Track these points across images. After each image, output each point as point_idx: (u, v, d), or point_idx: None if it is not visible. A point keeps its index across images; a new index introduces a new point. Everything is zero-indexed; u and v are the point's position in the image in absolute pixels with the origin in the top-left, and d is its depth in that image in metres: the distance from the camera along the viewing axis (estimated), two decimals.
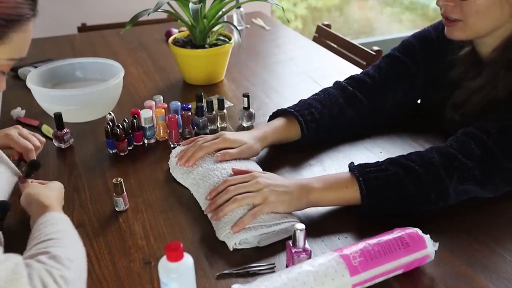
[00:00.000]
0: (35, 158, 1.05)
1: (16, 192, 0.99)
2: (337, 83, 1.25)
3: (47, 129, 1.30)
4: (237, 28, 1.49)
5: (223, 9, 1.52)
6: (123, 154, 1.19)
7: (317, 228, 0.94)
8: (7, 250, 0.86)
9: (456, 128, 1.02)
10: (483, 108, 1.04)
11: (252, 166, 1.07)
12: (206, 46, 1.53)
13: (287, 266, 0.84)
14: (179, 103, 1.29)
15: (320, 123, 1.17)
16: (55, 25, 2.65)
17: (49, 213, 0.83)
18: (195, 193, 1.03)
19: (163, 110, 1.24)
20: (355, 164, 0.97)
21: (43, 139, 1.14)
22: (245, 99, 1.28)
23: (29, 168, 1.01)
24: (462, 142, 0.97)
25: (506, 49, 1.03)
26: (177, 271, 0.69)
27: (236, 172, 1.00)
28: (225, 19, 1.81)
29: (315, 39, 2.25)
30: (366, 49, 1.99)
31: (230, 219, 0.90)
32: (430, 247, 0.82)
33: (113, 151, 1.20)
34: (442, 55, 1.18)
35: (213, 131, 1.27)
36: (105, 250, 0.90)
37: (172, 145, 1.22)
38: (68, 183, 1.09)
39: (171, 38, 1.61)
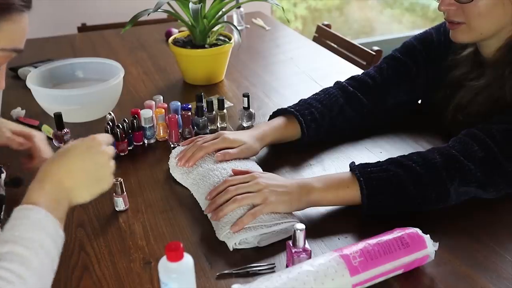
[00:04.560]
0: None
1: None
2: (337, 83, 1.25)
3: (47, 129, 1.29)
4: (237, 28, 1.49)
5: (223, 9, 1.52)
6: (123, 154, 1.19)
7: (317, 228, 0.94)
8: None
9: (458, 128, 1.02)
10: (489, 107, 1.03)
11: (252, 166, 1.07)
12: (206, 46, 1.53)
13: (287, 266, 0.84)
14: (179, 103, 1.29)
15: (320, 123, 1.17)
16: (55, 25, 2.65)
17: (23, 209, 0.69)
18: (195, 193, 1.03)
19: (163, 110, 1.24)
20: (356, 164, 0.97)
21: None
22: (245, 99, 1.28)
23: (11, 183, 0.98)
24: (465, 143, 0.97)
25: (511, 49, 1.03)
26: (177, 271, 0.69)
27: (236, 173, 1.00)
28: (225, 19, 1.81)
29: (315, 39, 2.25)
30: (366, 49, 1.99)
31: (230, 219, 0.90)
32: (430, 247, 0.82)
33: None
34: (443, 56, 1.18)
35: (213, 131, 1.26)
36: (105, 250, 0.90)
37: (172, 145, 1.22)
38: None
39: (171, 38, 1.61)
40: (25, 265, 0.63)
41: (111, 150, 0.81)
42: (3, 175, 0.95)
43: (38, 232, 0.67)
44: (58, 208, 0.72)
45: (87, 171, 0.76)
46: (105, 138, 0.82)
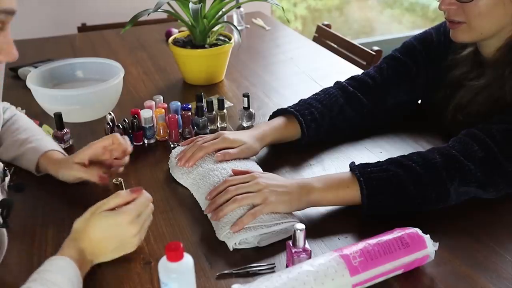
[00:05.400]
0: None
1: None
2: (337, 83, 1.25)
3: (47, 129, 1.29)
4: (237, 28, 1.49)
5: (223, 9, 1.52)
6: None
7: (317, 228, 0.94)
8: (8, 249, 0.87)
9: (458, 128, 1.02)
10: (489, 107, 1.04)
11: (252, 166, 1.07)
12: (206, 46, 1.54)
13: (287, 266, 0.84)
14: (179, 103, 1.29)
15: (320, 123, 1.17)
16: (55, 25, 2.66)
17: (59, 259, 0.76)
18: (195, 193, 1.03)
19: (163, 110, 1.24)
20: (356, 164, 0.97)
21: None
22: (245, 99, 1.28)
23: (14, 188, 0.97)
24: (465, 143, 0.97)
25: (511, 49, 1.03)
26: (177, 271, 0.69)
27: (236, 173, 1.00)
28: (225, 19, 1.81)
29: (315, 39, 2.25)
30: (366, 49, 1.99)
31: (230, 219, 0.90)
32: (430, 247, 0.82)
33: None
34: (443, 56, 1.18)
35: (213, 131, 1.26)
36: None
37: (172, 145, 1.22)
38: (68, 183, 1.09)
39: (171, 38, 1.61)
40: None
41: (142, 222, 0.84)
42: (7, 179, 0.95)
43: (68, 284, 0.73)
44: (83, 268, 0.79)
45: (112, 244, 0.82)
46: (139, 207, 0.83)
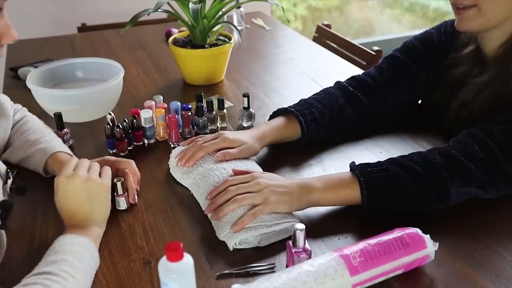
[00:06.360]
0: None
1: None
2: (338, 83, 1.25)
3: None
4: (237, 28, 1.49)
5: (223, 9, 1.52)
6: (123, 154, 1.19)
7: (317, 228, 0.94)
8: (8, 250, 0.87)
9: (461, 126, 1.02)
10: (492, 105, 1.03)
11: (252, 166, 1.07)
12: (206, 46, 1.54)
13: (287, 266, 0.84)
14: (179, 103, 1.29)
15: (320, 123, 1.17)
16: (55, 25, 2.66)
17: (63, 237, 0.83)
18: (195, 193, 1.03)
19: (163, 110, 1.24)
20: (356, 164, 0.97)
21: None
22: (245, 99, 1.28)
23: (15, 190, 0.95)
24: (465, 143, 0.96)
25: None
26: (177, 271, 0.69)
27: (237, 173, 1.00)
28: (225, 19, 1.81)
29: (315, 39, 2.25)
30: (366, 49, 1.99)
31: (230, 219, 0.90)
32: (430, 247, 0.82)
33: (113, 151, 1.20)
34: (444, 56, 1.18)
35: (213, 131, 1.27)
36: (105, 250, 0.90)
37: (172, 145, 1.22)
38: None
39: (171, 38, 1.61)
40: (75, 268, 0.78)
41: (81, 170, 0.92)
42: (9, 181, 0.95)
43: (81, 248, 0.82)
44: (90, 233, 0.88)
45: (83, 201, 0.89)
46: (67, 167, 0.92)
